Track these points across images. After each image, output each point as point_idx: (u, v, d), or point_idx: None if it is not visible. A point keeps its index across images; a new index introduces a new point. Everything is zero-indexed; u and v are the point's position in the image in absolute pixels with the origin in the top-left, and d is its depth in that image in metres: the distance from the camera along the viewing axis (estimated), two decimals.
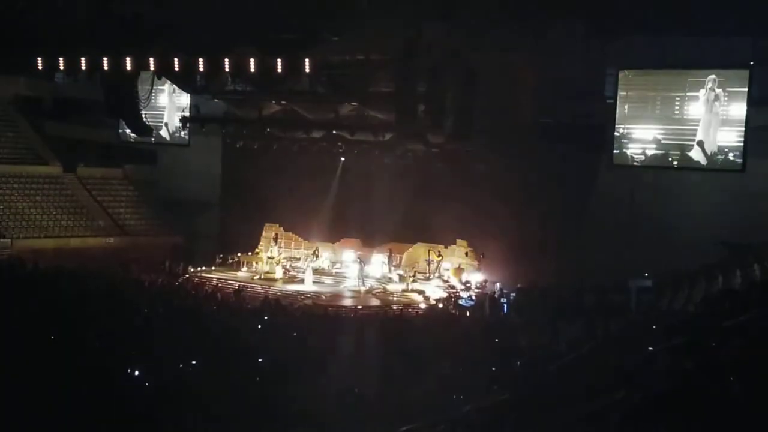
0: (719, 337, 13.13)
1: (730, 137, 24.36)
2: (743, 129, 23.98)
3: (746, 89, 23.88)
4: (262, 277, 29.33)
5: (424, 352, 14.94)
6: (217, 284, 27.78)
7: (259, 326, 17.95)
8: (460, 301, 26.06)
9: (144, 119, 32.10)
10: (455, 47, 24.24)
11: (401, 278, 28.73)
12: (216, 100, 30.55)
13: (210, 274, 29.78)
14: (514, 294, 26.21)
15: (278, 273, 29.37)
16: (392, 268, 29.66)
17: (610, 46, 26.11)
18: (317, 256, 30.67)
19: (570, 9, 24.50)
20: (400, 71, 24.07)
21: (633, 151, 25.84)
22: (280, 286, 28.05)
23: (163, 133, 34.21)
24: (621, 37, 26.07)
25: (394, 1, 23.68)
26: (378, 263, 29.97)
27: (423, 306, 25.85)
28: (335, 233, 32.15)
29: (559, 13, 24.55)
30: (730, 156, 24.37)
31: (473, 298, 26.56)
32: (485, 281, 28.17)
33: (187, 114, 32.38)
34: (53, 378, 11.62)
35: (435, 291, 27.56)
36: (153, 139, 33.86)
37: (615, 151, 26.05)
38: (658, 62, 25.50)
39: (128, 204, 36.28)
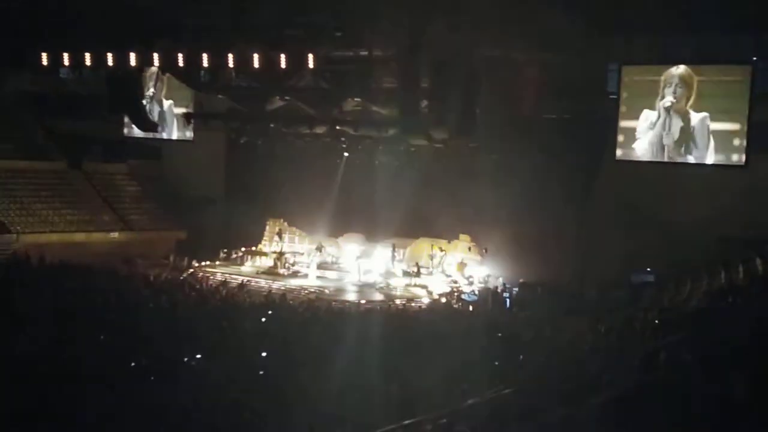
0: (722, 331, 13.20)
1: (733, 133, 24.35)
2: (746, 125, 23.98)
3: (749, 85, 23.87)
4: (266, 271, 29.41)
5: (427, 346, 15.01)
6: (222, 279, 27.87)
7: (263, 320, 18.03)
8: (463, 296, 26.14)
9: (149, 115, 32.16)
10: (459, 43, 24.25)
11: (405, 273, 28.81)
12: (220, 96, 30.59)
13: (214, 268, 29.89)
14: (517, 289, 26.29)
15: (282, 268, 29.46)
16: (396, 263, 29.73)
17: (612, 42, 26.11)
18: (321, 251, 30.75)
19: (572, 5, 24.49)
20: (403, 67, 24.09)
21: (635, 146, 25.86)
22: (283, 281, 28.14)
23: (168, 128, 34.25)
24: (623, 33, 26.08)
25: None
26: (381, 258, 30.04)
27: (426, 300, 25.93)
28: (339, 228, 32.24)
29: (562, 9, 24.53)
30: (733, 152, 24.36)
31: (476, 292, 26.65)
32: (488, 276, 28.26)
33: (191, 110, 32.41)
34: (59, 371, 11.71)
35: (438, 285, 27.64)
36: (157, 134, 33.91)
37: (617, 147, 26.06)
38: (661, 58, 25.50)
39: (133, 199, 36.36)
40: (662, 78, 25.30)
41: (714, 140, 24.59)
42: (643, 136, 25.76)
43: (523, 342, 16.67)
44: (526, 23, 24.22)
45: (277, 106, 29.32)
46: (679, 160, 25.34)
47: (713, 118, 24.57)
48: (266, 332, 16.38)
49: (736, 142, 24.12)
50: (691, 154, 25.08)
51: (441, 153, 28.40)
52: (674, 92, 25.11)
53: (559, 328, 18.86)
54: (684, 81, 25.04)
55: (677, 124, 25.21)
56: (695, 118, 24.88)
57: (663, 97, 25.33)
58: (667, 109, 25.28)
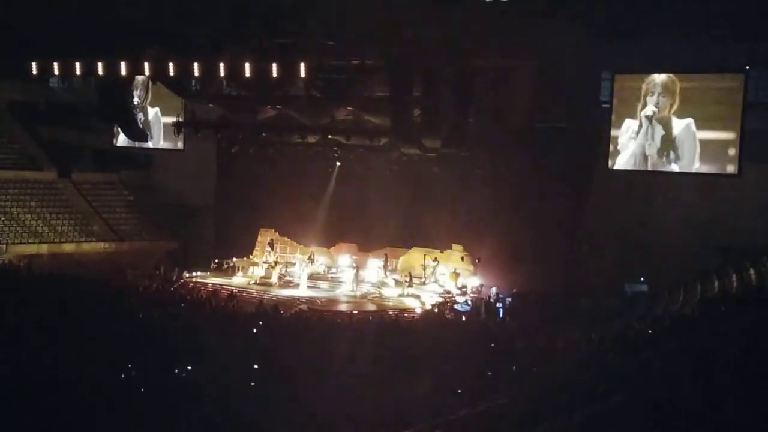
0: (715, 340, 13.13)
1: (724, 139, 24.28)
2: (738, 132, 23.93)
3: (741, 93, 23.82)
4: (258, 282, 29.27)
5: (420, 356, 14.90)
6: (212, 289, 27.69)
7: (254, 331, 17.89)
8: (456, 306, 26.03)
9: (139, 124, 32.03)
10: (451, 52, 24.24)
11: (397, 283, 28.68)
12: (211, 105, 30.49)
13: (205, 279, 29.70)
14: (510, 299, 26.19)
15: (274, 278, 29.32)
16: (388, 273, 29.59)
17: (606, 51, 26.11)
18: (312, 261, 30.61)
19: (566, 13, 24.52)
20: (395, 76, 24.07)
21: (628, 155, 25.78)
22: (275, 291, 28.00)
23: (154, 136, 34.09)
24: (617, 42, 26.09)
25: (390, 5, 23.69)
26: (374, 268, 29.92)
27: (419, 311, 25.80)
28: (331, 238, 32.13)
29: (555, 18, 24.56)
30: (728, 162, 24.22)
31: (469, 302, 26.54)
32: (481, 286, 28.15)
33: (181, 119, 32.30)
34: (48, 383, 11.56)
35: (431, 296, 27.52)
36: (148, 144, 33.77)
37: (609, 156, 25.99)
38: (654, 66, 25.47)
39: (123, 209, 36.24)
40: (643, 86, 25.14)
41: (707, 150, 24.44)
42: (626, 147, 25.57)
43: (516, 352, 16.57)
44: (520, 32, 24.24)
45: (269, 115, 29.25)
46: (663, 170, 25.24)
47: (706, 127, 24.43)
48: (257, 343, 16.24)
49: (731, 151, 23.93)
50: (674, 163, 24.92)
51: (433, 162, 28.35)
52: (657, 101, 24.96)
53: (552, 337, 18.77)
54: (666, 88, 24.86)
55: (659, 132, 25.03)
56: (679, 125, 24.71)
57: (645, 106, 25.18)
58: (649, 118, 25.10)
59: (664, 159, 25.03)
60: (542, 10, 24.52)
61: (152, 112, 33.57)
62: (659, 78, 24.90)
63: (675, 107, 24.78)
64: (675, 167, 24.95)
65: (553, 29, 24.14)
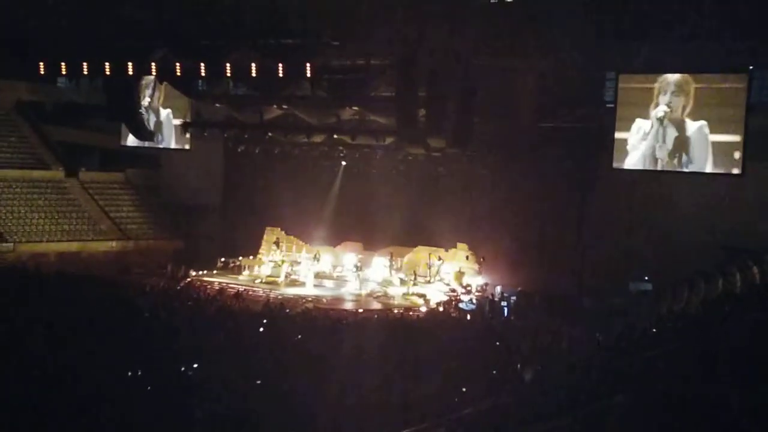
0: (719, 339, 13.19)
1: (730, 142, 24.19)
2: (743, 133, 23.85)
3: (745, 93, 23.73)
4: (264, 280, 29.38)
5: (425, 355, 14.98)
6: (219, 288, 27.81)
7: (261, 329, 18.00)
8: (460, 305, 26.12)
9: (146, 123, 32.16)
10: (456, 52, 24.31)
11: (402, 282, 28.78)
12: (217, 105, 30.62)
13: (211, 277, 29.82)
14: (514, 297, 26.27)
15: (280, 277, 29.43)
16: (393, 272, 29.71)
17: (609, 51, 26.12)
18: (318, 260, 30.73)
19: (569, 14, 24.55)
20: (400, 76, 24.14)
21: (638, 156, 25.63)
22: (281, 290, 28.11)
23: (166, 137, 34.21)
24: (621, 42, 26.10)
25: (395, 6, 23.77)
26: (379, 267, 30.02)
27: (424, 309, 25.90)
28: (336, 237, 32.25)
29: (559, 18, 24.60)
30: (733, 166, 24.08)
31: (474, 301, 26.63)
32: (486, 284, 28.24)
33: (188, 119, 32.43)
34: (54, 381, 11.67)
35: (436, 294, 27.61)
36: (154, 143, 33.89)
37: (617, 156, 25.92)
38: (658, 66, 25.43)
39: (130, 208, 36.37)
40: (656, 85, 24.86)
41: (714, 152, 24.21)
42: (636, 148, 25.33)
43: (520, 351, 16.64)
44: (524, 32, 24.29)
45: (275, 114, 29.36)
46: (676, 167, 25.13)
47: (712, 129, 24.21)
48: (264, 341, 16.34)
49: (737, 155, 23.68)
50: (686, 167, 24.66)
51: (438, 162, 28.43)
52: (669, 101, 24.70)
53: (556, 336, 18.84)
54: (680, 88, 24.52)
55: (672, 134, 24.72)
56: (692, 127, 24.43)
57: (657, 105, 24.98)
58: (660, 120, 24.87)
59: (675, 161, 24.81)
60: (546, 10, 24.55)
61: (164, 113, 33.67)
62: (672, 77, 24.59)
63: (688, 108, 24.47)
64: (685, 170, 24.69)
65: (558, 29, 24.16)
